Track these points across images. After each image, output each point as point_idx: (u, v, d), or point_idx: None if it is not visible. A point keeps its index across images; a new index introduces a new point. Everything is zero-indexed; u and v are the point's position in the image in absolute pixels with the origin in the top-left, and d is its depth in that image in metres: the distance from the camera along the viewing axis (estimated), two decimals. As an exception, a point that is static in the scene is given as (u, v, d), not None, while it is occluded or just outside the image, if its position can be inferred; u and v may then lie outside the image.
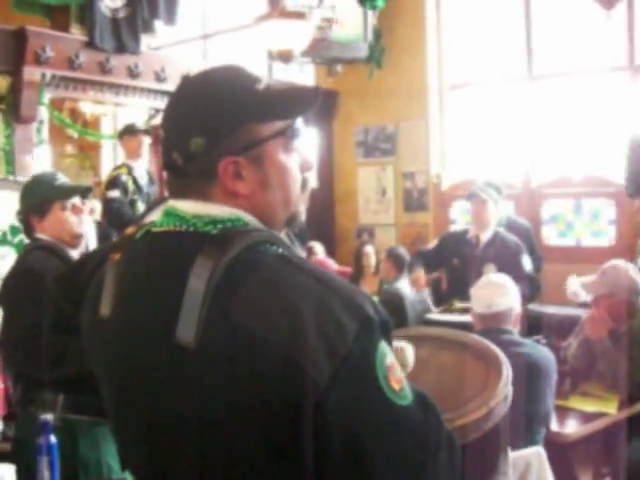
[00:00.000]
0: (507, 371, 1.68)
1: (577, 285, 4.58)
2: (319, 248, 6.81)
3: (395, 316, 5.18)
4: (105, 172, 7.53)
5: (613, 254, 4.94)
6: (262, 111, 1.26)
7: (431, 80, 7.70)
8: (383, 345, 1.16)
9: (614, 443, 3.64)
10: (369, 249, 6.93)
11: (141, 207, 5.75)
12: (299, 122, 1.31)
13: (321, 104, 1.38)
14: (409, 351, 1.46)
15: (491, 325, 3.35)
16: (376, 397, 1.13)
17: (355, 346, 1.11)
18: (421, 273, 5.80)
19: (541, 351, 3.39)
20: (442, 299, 5.50)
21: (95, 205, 5.57)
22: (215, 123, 1.24)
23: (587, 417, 3.70)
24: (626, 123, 6.67)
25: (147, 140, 6.02)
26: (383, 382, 1.13)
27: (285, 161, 1.29)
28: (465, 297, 4.21)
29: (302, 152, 1.33)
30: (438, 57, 7.74)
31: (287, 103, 1.29)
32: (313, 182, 8.18)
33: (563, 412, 3.70)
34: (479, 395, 1.55)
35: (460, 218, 7.38)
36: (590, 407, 3.78)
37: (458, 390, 1.60)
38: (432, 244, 5.97)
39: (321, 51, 7.30)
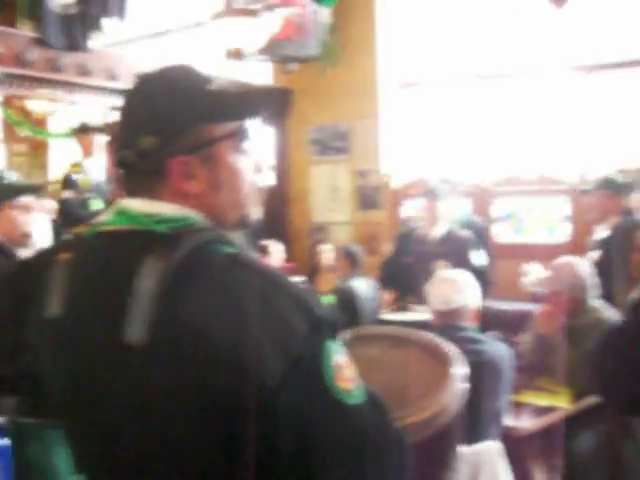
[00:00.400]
0: (458, 368, 1.70)
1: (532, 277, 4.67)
2: (275, 247, 6.79)
3: (349, 314, 5.20)
4: (54, 171, 7.44)
5: (565, 251, 5.00)
6: (213, 112, 1.27)
7: (382, 79, 7.72)
8: (332, 345, 1.17)
9: (565, 436, 3.69)
10: (324, 247, 6.94)
11: (96, 206, 5.69)
12: (251, 123, 1.31)
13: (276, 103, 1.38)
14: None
15: (449, 322, 3.37)
16: (325, 397, 1.13)
17: (304, 346, 1.12)
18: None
19: (498, 348, 3.41)
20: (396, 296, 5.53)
21: (49, 204, 5.50)
22: (166, 122, 1.25)
23: (540, 411, 3.74)
24: (577, 122, 6.78)
25: (102, 138, 5.95)
26: (332, 382, 1.14)
27: (236, 162, 1.30)
28: (418, 294, 4.24)
29: (253, 153, 1.34)
30: (389, 56, 7.76)
31: (239, 104, 1.29)
32: (268, 180, 8.17)
33: (517, 407, 3.73)
34: (430, 393, 1.56)
35: (412, 216, 7.40)
36: (543, 401, 3.82)
37: (410, 388, 1.61)
38: (389, 249, 6.04)
39: (276, 49, 7.28)
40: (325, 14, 7.44)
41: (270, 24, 6.83)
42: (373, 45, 7.69)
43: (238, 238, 1.27)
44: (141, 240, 1.21)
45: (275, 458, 1.11)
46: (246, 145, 1.32)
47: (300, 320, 1.13)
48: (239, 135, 1.30)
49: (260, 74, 7.98)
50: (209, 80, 1.29)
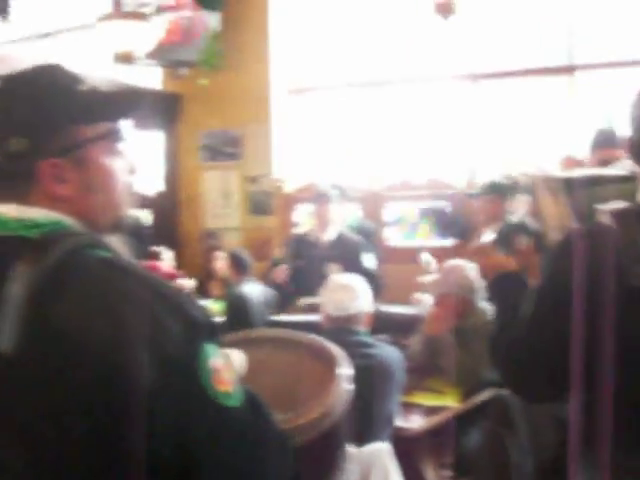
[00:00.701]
0: (345, 370, 1.71)
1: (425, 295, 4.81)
2: (166, 253, 6.70)
3: (239, 318, 5.18)
4: None
5: (454, 254, 5.11)
6: (84, 113, 1.23)
7: (274, 84, 7.73)
8: (208, 347, 1.16)
9: (455, 434, 3.77)
10: (217, 253, 6.88)
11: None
12: (125, 125, 1.29)
13: (165, 107, 1.36)
14: (236, 357, 1.46)
15: (341, 325, 3.39)
16: (202, 400, 1.13)
17: (180, 349, 1.11)
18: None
19: (389, 351, 3.45)
20: (287, 300, 5.54)
21: None
22: (35, 124, 1.21)
23: (430, 411, 3.81)
24: (465, 128, 6.96)
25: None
26: (208, 384, 1.13)
27: (109, 164, 1.27)
28: (310, 297, 4.27)
29: (127, 155, 1.31)
30: (281, 61, 7.77)
31: (111, 105, 1.27)
32: (158, 186, 8.07)
33: (407, 407, 3.79)
34: (316, 395, 1.57)
35: (304, 221, 7.43)
36: (432, 401, 3.90)
37: (296, 390, 1.61)
38: (281, 252, 6.04)
39: (165, 54, 7.19)
40: (214, 19, 7.39)
41: (159, 28, 6.74)
42: (265, 51, 7.68)
43: (114, 242, 1.25)
44: (11, 246, 1.17)
45: (155, 462, 1.09)
46: (120, 147, 1.29)
47: (176, 323, 1.12)
48: (112, 136, 1.27)
49: (149, 79, 7.86)
50: (80, 80, 1.26)
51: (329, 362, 1.74)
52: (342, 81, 7.71)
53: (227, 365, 1.18)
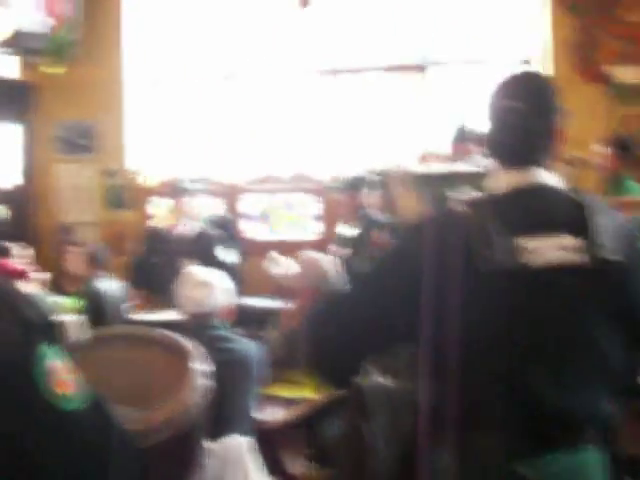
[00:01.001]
0: (200, 365, 1.70)
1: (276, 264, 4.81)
2: (17, 249, 6.43)
3: (95, 315, 5.05)
4: None
5: (315, 247, 5.16)
6: None
7: (130, 76, 7.60)
8: (45, 349, 1.12)
9: (315, 424, 3.81)
10: (72, 248, 6.68)
11: None
12: None
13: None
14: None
15: (200, 322, 3.37)
16: (37, 403, 1.09)
17: (13, 352, 1.07)
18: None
19: (248, 345, 3.46)
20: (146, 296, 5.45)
21: None
22: None
23: (290, 403, 3.85)
24: (329, 123, 7.05)
25: None
26: (45, 388, 1.10)
27: None
28: (167, 293, 4.20)
29: None
30: (137, 52, 7.64)
31: None
32: (14, 179, 7.78)
33: (267, 400, 3.80)
34: (172, 391, 1.55)
35: (161, 214, 7.32)
36: (292, 393, 3.93)
37: (151, 387, 1.59)
38: (137, 249, 5.93)
39: (19, 41, 6.92)
40: (69, 9, 7.16)
41: (14, 16, 6.48)
42: (119, 41, 7.54)
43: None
44: None
45: None
46: None
47: (10, 325, 1.08)
48: None
49: (5, 68, 7.53)
50: None
51: (183, 358, 1.73)
52: (199, 73, 7.64)
53: (67, 366, 1.14)
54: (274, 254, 5.46)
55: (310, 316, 1.88)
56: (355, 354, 1.80)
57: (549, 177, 1.82)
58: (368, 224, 4.93)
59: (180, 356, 1.73)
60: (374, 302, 1.77)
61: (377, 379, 2.12)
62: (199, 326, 3.31)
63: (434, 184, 2.29)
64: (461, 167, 2.51)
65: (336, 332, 1.79)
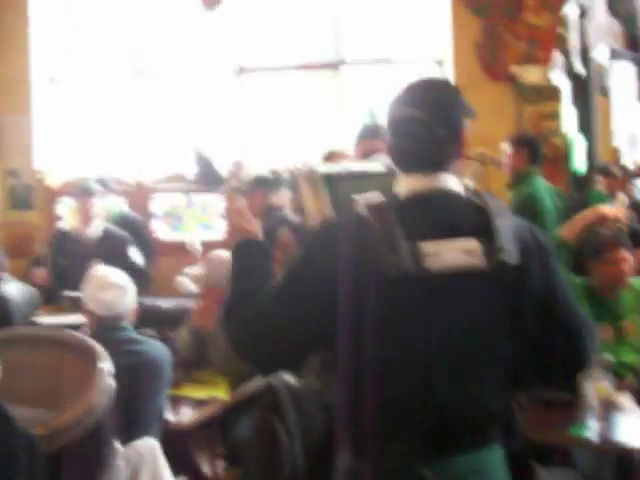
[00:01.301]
0: (107, 365, 1.68)
1: (186, 278, 4.80)
2: None
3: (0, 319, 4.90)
4: None
5: (223, 247, 5.14)
6: None
7: (35, 74, 7.43)
8: None
9: (227, 424, 3.81)
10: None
11: None
12: None
13: None
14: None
15: (107, 324, 3.31)
16: None
17: None
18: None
19: (156, 347, 3.42)
20: (50, 299, 5.33)
21: None
22: None
23: (200, 403, 3.82)
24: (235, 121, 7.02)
25: None
26: None
27: None
28: (74, 296, 4.13)
29: None
30: (42, 51, 7.47)
31: None
32: None
33: (177, 401, 3.78)
34: (79, 392, 1.53)
35: (68, 215, 7.18)
36: (202, 394, 3.91)
37: (58, 389, 1.56)
38: (43, 249, 5.81)
39: None
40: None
41: None
42: (26, 39, 7.38)
43: None
44: None
45: None
46: None
47: None
48: None
49: None
50: None
51: (90, 358, 1.71)
52: (108, 71, 7.53)
53: None
54: (184, 278, 5.43)
55: (235, 306, 1.85)
56: (276, 353, 1.80)
57: (452, 181, 1.83)
58: (275, 223, 4.93)
59: (87, 357, 1.71)
60: (286, 310, 1.77)
61: (283, 378, 2.14)
62: (106, 328, 3.26)
63: (340, 184, 2.30)
64: (369, 167, 2.53)
65: (267, 329, 1.78)
